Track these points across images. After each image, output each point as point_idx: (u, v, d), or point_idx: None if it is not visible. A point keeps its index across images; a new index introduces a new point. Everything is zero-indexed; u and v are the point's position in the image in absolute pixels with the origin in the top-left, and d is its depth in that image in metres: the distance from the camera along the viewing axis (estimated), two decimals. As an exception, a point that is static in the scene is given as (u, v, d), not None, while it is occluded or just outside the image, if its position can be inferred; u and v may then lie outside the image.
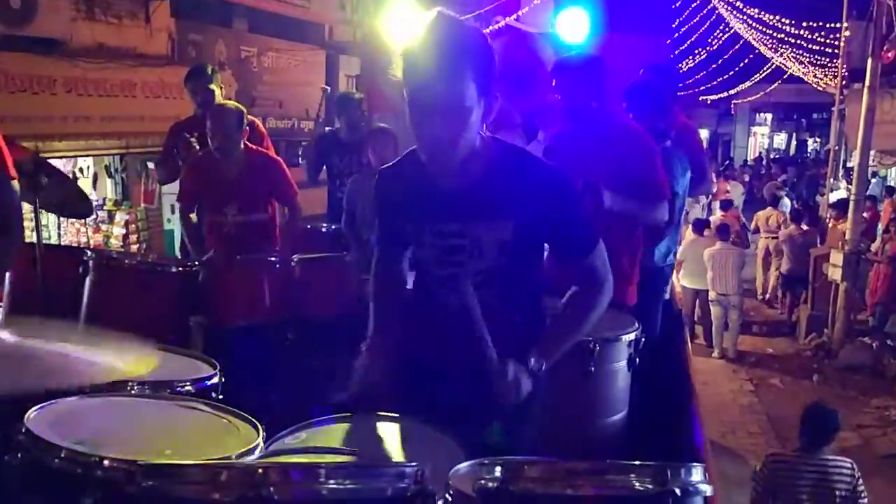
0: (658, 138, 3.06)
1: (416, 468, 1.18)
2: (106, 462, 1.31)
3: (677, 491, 1.14)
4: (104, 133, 6.49)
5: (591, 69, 2.80)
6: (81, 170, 7.62)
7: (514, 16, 10.18)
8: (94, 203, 7.62)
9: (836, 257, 9.02)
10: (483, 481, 1.18)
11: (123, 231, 7.37)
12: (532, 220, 1.66)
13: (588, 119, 2.77)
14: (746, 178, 20.00)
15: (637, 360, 2.40)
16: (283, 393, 2.72)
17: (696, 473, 1.19)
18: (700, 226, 9.40)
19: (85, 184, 7.43)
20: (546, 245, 1.78)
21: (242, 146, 3.41)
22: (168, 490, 1.10)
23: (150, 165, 7.38)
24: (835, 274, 9.00)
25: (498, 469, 1.18)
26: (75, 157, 6.82)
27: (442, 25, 1.56)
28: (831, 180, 13.90)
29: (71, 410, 1.56)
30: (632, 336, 2.37)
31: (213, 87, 3.92)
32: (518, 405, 1.64)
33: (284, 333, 2.95)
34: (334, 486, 1.10)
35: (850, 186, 12.48)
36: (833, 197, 12.89)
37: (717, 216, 11.12)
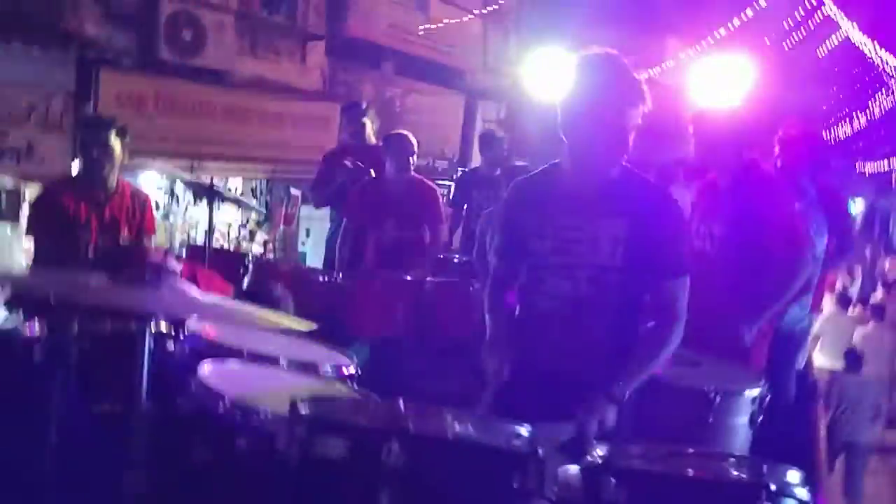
0: (798, 195, 2.94)
1: (532, 432, 1.27)
2: (261, 412, 1.50)
3: (772, 486, 1.16)
4: (253, 157, 6.85)
5: (729, 121, 2.76)
6: (230, 189, 8.11)
7: (655, 69, 9.84)
8: (239, 223, 8.08)
9: None
10: (590, 458, 1.25)
11: (262, 250, 7.69)
12: (643, 226, 1.79)
13: (724, 171, 2.70)
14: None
15: (760, 419, 2.28)
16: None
17: (794, 476, 1.20)
18: (845, 301, 8.58)
19: (232, 204, 7.88)
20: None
21: (411, 172, 3.77)
22: (326, 416, 1.25)
23: (293, 191, 7.68)
24: None
25: (604, 446, 1.27)
26: (226, 177, 7.23)
27: (618, 60, 1.79)
28: None
29: (233, 371, 1.78)
30: (756, 392, 2.26)
31: (366, 120, 4.26)
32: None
33: (414, 352, 3.11)
34: (460, 429, 1.23)
35: None
36: None
37: (880, 295, 10.12)
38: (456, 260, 4.32)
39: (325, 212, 7.43)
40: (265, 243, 7.66)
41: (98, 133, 2.93)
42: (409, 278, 3.24)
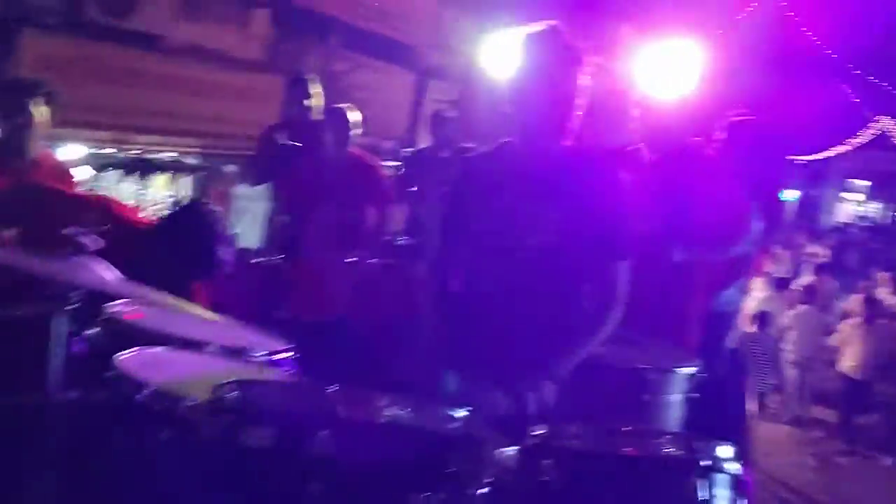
0: (738, 180, 3.02)
1: (468, 412, 1.28)
2: (186, 400, 1.42)
3: (705, 461, 1.21)
4: (187, 131, 6.56)
5: (674, 107, 2.88)
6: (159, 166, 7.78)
7: (604, 55, 9.92)
8: (170, 199, 7.74)
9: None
10: (527, 438, 1.28)
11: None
12: (585, 209, 1.80)
13: (669, 156, 2.78)
14: (831, 243, 18.90)
15: (694, 396, 2.38)
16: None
17: (726, 451, 1.24)
18: (783, 284, 9.04)
19: (163, 180, 7.56)
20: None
21: (350, 149, 3.65)
22: (252, 401, 1.22)
23: (229, 168, 7.42)
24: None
25: (540, 427, 1.29)
26: (155, 151, 6.93)
27: (558, 31, 1.81)
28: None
29: (155, 358, 1.72)
30: (690, 370, 2.36)
31: (311, 94, 4.12)
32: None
33: (356, 332, 3.13)
34: (391, 415, 1.22)
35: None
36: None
37: (807, 278, 10.62)
38: (401, 242, 4.27)
39: (262, 192, 7.25)
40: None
41: (19, 97, 2.75)
42: (349, 260, 3.19)
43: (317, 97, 4.18)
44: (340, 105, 3.81)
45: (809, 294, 8.73)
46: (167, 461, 1.41)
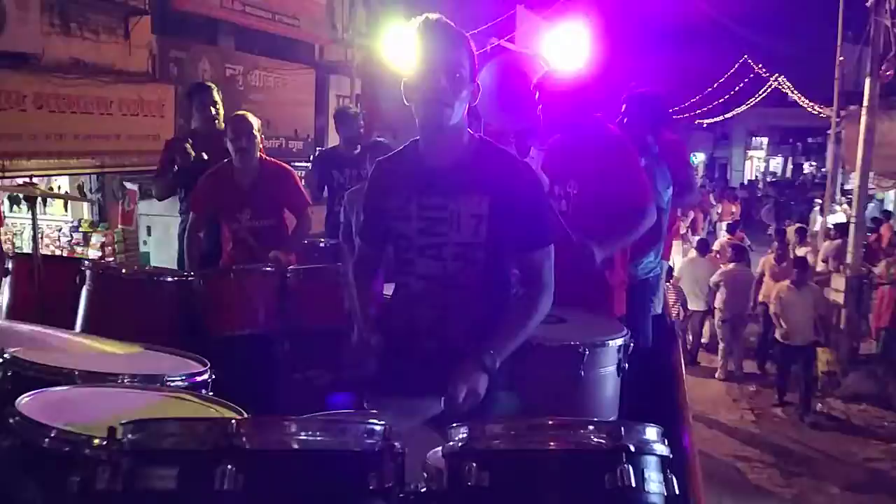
0: (643, 151, 3.10)
1: (384, 425, 1.22)
2: (95, 441, 1.35)
3: (631, 447, 1.19)
4: (77, 152, 6.23)
5: (573, 83, 2.86)
6: (52, 189, 7.39)
7: (508, 37, 10.05)
8: (70, 224, 7.36)
9: (839, 282, 8.79)
10: (451, 443, 1.25)
11: (99, 253, 7.08)
12: (504, 200, 1.83)
13: (572, 132, 2.80)
14: (739, 200, 19.91)
15: (626, 366, 2.41)
16: (274, 401, 2.81)
17: (651, 433, 1.24)
18: (703, 247, 9.27)
19: (59, 204, 7.17)
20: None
21: (258, 156, 3.56)
22: (149, 443, 1.15)
23: (128, 185, 7.12)
24: (837, 298, 8.76)
25: (463, 429, 1.25)
26: (47, 175, 6.55)
27: (440, 18, 1.84)
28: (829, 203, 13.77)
29: (62, 398, 1.63)
30: (620, 341, 2.38)
31: (216, 100, 4.03)
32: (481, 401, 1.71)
33: (280, 344, 3.03)
34: (304, 437, 1.14)
35: (847, 209, 12.37)
36: (831, 220, 12.78)
37: (723, 238, 11.06)
38: (322, 244, 4.19)
39: (168, 208, 6.98)
40: (103, 246, 7.06)
41: None
42: (268, 269, 3.09)
43: (219, 104, 4.06)
44: (241, 112, 3.69)
45: (738, 253, 8.92)
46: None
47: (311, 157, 9.05)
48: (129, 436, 1.15)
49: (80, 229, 7.13)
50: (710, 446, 6.59)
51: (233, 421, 1.09)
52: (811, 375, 7.87)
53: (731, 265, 8.76)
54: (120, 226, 7.25)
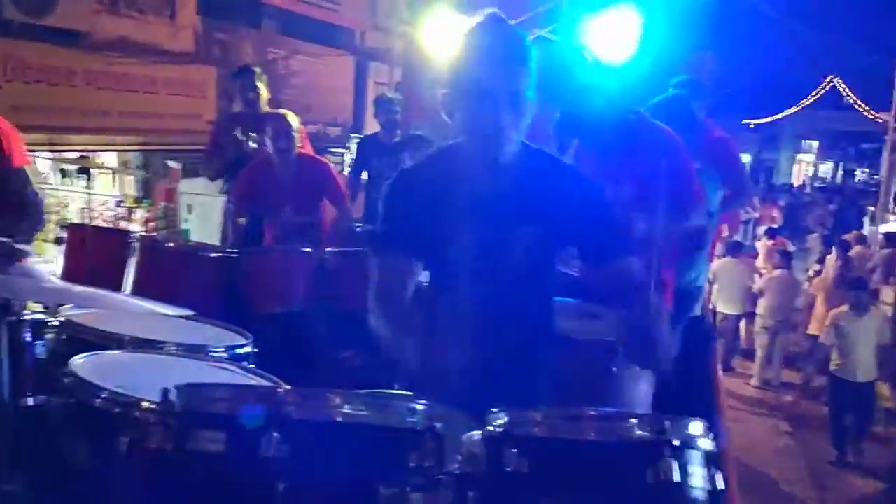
0: (691, 151, 2.99)
1: (428, 406, 1.24)
2: (143, 403, 1.43)
3: (675, 441, 1.18)
4: (123, 129, 6.41)
5: (623, 77, 2.76)
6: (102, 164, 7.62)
7: (549, 28, 9.98)
8: (115, 199, 7.59)
9: (888, 294, 8.59)
10: (490, 427, 1.24)
11: (142, 228, 7.26)
12: (562, 223, 1.70)
13: (615, 127, 2.73)
14: (782, 204, 19.47)
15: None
16: (306, 379, 2.82)
17: (696, 427, 1.23)
18: (736, 249, 9.07)
19: (105, 179, 7.40)
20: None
21: (296, 152, 3.68)
22: (200, 406, 1.19)
23: (171, 164, 7.29)
24: (886, 311, 8.55)
25: (503, 415, 1.24)
26: (93, 151, 6.75)
27: (500, 22, 1.63)
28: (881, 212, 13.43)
29: (112, 361, 1.71)
30: None
31: (259, 86, 4.15)
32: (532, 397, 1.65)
33: (316, 323, 3.09)
34: (348, 410, 1.17)
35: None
36: (883, 229, 12.48)
37: (764, 242, 10.87)
38: (358, 228, 4.32)
39: (209, 187, 7.13)
40: (145, 221, 7.25)
41: None
42: (307, 249, 3.21)
43: (262, 88, 4.20)
44: (281, 111, 3.82)
45: (784, 259, 8.79)
46: (125, 466, 1.41)
47: (347, 144, 9.15)
48: (181, 398, 1.20)
49: (125, 204, 7.32)
50: (742, 454, 6.52)
51: (281, 390, 1.15)
52: (869, 418, 6.95)
53: (775, 272, 8.62)
54: (162, 203, 7.44)
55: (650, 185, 2.53)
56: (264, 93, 4.22)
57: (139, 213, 7.38)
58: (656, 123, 2.95)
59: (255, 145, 3.93)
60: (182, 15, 6.65)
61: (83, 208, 7.21)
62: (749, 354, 9.11)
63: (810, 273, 10.61)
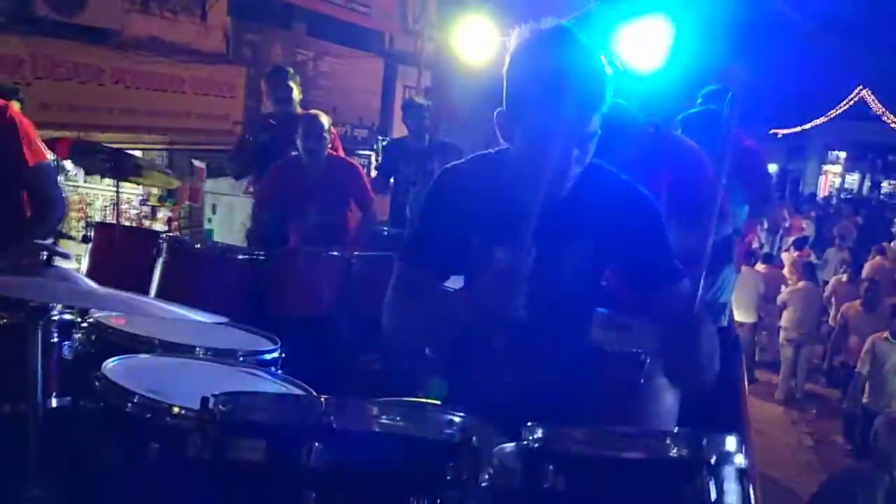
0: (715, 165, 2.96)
1: (465, 418, 1.23)
2: (175, 409, 1.45)
3: (712, 459, 1.18)
4: (150, 127, 6.49)
5: (643, 90, 2.85)
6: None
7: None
8: (140, 197, 7.67)
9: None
10: (525, 442, 1.24)
11: (165, 228, 7.32)
12: (612, 240, 1.58)
13: (634, 141, 2.67)
14: (813, 215, 19.27)
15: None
16: (329, 383, 2.79)
17: (731, 443, 1.22)
18: (751, 257, 9.03)
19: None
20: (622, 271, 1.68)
21: (325, 154, 3.67)
22: (240, 415, 1.20)
23: (196, 163, 7.34)
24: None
25: (540, 430, 1.24)
26: (119, 149, 6.84)
27: (573, 42, 1.45)
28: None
29: (143, 365, 1.73)
30: None
31: (292, 85, 4.18)
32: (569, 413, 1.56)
33: (339, 327, 3.11)
34: (386, 421, 1.19)
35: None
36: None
37: (790, 253, 10.78)
38: (386, 232, 4.32)
39: (233, 187, 7.16)
40: (169, 221, 7.32)
41: None
42: (334, 253, 3.21)
43: (295, 89, 4.23)
44: (313, 111, 3.82)
45: (807, 271, 8.74)
46: (156, 472, 1.41)
47: (375, 146, 9.18)
48: (221, 406, 1.20)
49: (149, 203, 7.40)
50: (765, 468, 6.42)
51: (322, 399, 1.15)
52: None
53: (799, 283, 8.56)
54: (187, 202, 7.49)
55: (671, 199, 2.54)
56: (297, 93, 4.24)
57: (163, 213, 7.45)
58: (678, 136, 2.91)
59: (295, 153, 3.93)
60: (213, 15, 6.72)
61: (108, 205, 7.31)
62: (772, 366, 9.02)
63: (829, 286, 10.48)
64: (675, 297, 1.61)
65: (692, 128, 3.30)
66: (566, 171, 1.48)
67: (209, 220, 7.46)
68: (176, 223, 7.37)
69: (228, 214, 7.13)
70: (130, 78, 6.16)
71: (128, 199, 7.24)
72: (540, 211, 1.52)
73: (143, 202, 7.35)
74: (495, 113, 1.53)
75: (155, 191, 7.74)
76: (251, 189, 7.19)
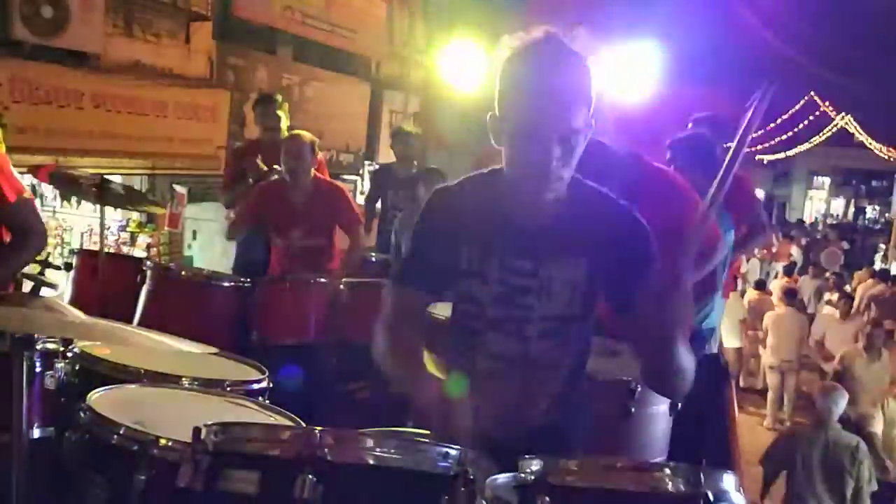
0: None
1: (461, 451, 1.24)
2: (162, 441, 1.45)
3: (710, 495, 1.19)
4: (130, 152, 6.45)
5: (635, 116, 2.77)
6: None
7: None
8: (118, 224, 7.62)
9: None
10: (523, 475, 1.25)
11: (145, 254, 7.27)
12: (605, 260, 1.58)
13: (622, 170, 2.65)
14: (803, 242, 19.52)
15: (679, 405, 2.39)
16: (316, 411, 2.83)
17: (729, 482, 1.23)
18: (759, 286, 9.26)
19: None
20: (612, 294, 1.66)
21: (312, 174, 3.66)
22: (233, 446, 1.20)
23: (177, 188, 7.33)
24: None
25: (536, 463, 1.25)
26: (99, 174, 6.80)
27: (557, 46, 1.49)
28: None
29: (128, 396, 1.73)
30: None
31: (280, 114, 4.27)
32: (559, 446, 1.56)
33: (326, 354, 3.15)
34: (381, 454, 1.19)
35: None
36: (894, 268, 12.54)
37: (780, 281, 10.91)
38: (373, 258, 4.33)
39: (214, 213, 7.14)
40: (149, 247, 7.27)
41: None
42: (321, 280, 3.20)
43: (283, 116, 4.27)
44: (297, 132, 3.84)
45: (789, 296, 8.82)
46: (143, 504, 1.40)
47: (360, 171, 9.21)
48: (213, 437, 1.20)
49: (128, 229, 7.35)
50: (754, 496, 6.43)
51: (316, 431, 1.15)
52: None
53: (779, 310, 8.65)
54: (167, 228, 7.46)
55: (666, 231, 2.56)
56: (285, 120, 4.28)
57: (142, 239, 7.40)
58: (658, 167, 2.94)
59: (276, 177, 3.96)
60: (196, 39, 6.75)
61: (86, 231, 7.25)
62: (763, 393, 9.06)
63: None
64: (667, 319, 1.56)
65: (682, 149, 3.33)
66: (548, 170, 1.49)
67: (189, 247, 7.42)
68: (156, 249, 7.32)
69: (209, 241, 7.10)
70: (111, 102, 6.15)
71: (107, 225, 7.19)
72: (531, 228, 1.56)
73: (122, 228, 7.30)
74: (487, 116, 1.56)
75: (135, 216, 7.70)
76: (232, 215, 7.22)
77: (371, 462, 1.18)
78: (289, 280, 3.26)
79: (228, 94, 7.12)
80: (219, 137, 7.04)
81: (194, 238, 7.19)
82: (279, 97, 4.47)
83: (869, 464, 4.42)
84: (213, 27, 6.93)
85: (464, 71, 6.68)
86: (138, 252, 7.29)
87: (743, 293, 9.36)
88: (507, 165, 1.55)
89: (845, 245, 19.05)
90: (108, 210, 6.88)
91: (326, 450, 1.14)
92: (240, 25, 7.31)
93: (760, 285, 9.57)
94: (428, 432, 1.58)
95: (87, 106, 5.94)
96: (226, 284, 3.15)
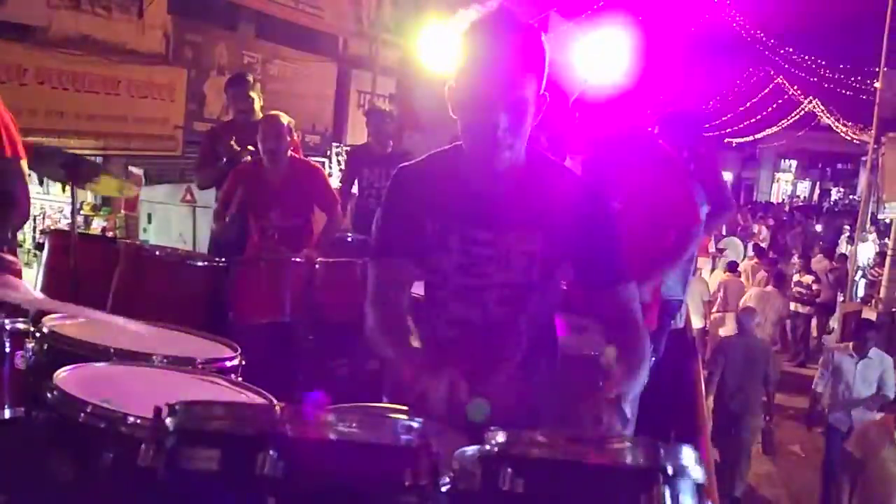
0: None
1: (423, 423, 1.25)
2: (130, 418, 1.46)
3: (669, 469, 1.21)
4: (79, 131, 6.31)
5: (621, 95, 2.94)
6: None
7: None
8: (72, 209, 7.47)
9: (870, 315, 8.89)
10: (487, 447, 1.27)
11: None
12: (562, 232, 1.63)
13: (619, 145, 2.83)
14: (770, 223, 19.96)
15: (646, 380, 2.37)
16: (294, 389, 2.85)
17: (688, 456, 1.25)
18: (731, 268, 9.49)
19: (58, 185, 7.27)
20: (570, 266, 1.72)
21: (288, 155, 3.70)
22: (194, 424, 1.20)
23: (133, 170, 7.20)
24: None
25: (501, 435, 1.26)
26: (76, 154, 6.64)
27: (506, 18, 1.56)
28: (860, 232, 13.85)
29: (97, 374, 1.71)
30: None
31: (253, 95, 4.23)
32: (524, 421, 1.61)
33: (303, 333, 3.15)
34: (343, 428, 1.19)
35: (879, 238, 12.39)
36: (861, 248, 12.91)
37: (750, 262, 11.20)
38: (349, 239, 4.32)
39: (170, 195, 7.03)
40: (104, 230, 7.15)
41: None
42: (297, 260, 3.23)
43: (255, 96, 4.24)
44: (273, 113, 3.86)
45: (779, 279, 9.23)
46: (110, 483, 1.41)
47: (328, 152, 9.14)
48: (175, 416, 1.20)
49: (82, 212, 7.21)
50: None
51: (277, 407, 1.16)
52: None
53: (767, 288, 9.12)
54: (123, 211, 7.34)
55: (640, 203, 2.66)
56: (258, 101, 4.26)
57: (97, 223, 7.27)
58: (657, 142, 3.05)
59: (249, 158, 3.93)
60: (151, 13, 6.60)
61: (47, 212, 7.10)
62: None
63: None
64: (616, 299, 1.66)
65: (673, 124, 3.56)
66: (494, 138, 1.53)
67: (144, 230, 7.32)
68: (112, 233, 7.20)
69: (165, 223, 7.00)
70: (56, 78, 6.00)
71: (60, 208, 7.05)
72: (487, 195, 1.62)
73: (77, 212, 7.16)
74: (446, 87, 1.61)
75: (89, 199, 7.56)
76: (188, 198, 7.12)
77: (332, 437, 1.18)
78: (264, 260, 3.26)
79: (185, 71, 7.00)
80: (176, 117, 6.94)
81: (149, 221, 7.08)
82: (251, 77, 4.43)
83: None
84: (169, 1, 6.79)
85: (440, 54, 6.67)
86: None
87: (713, 271, 9.61)
88: (461, 134, 1.61)
89: (818, 228, 19.52)
90: (56, 192, 6.70)
91: (288, 426, 1.15)
92: (198, 0, 7.19)
93: (733, 266, 9.79)
94: (403, 407, 1.63)
95: (30, 82, 5.80)
96: (200, 264, 3.13)
